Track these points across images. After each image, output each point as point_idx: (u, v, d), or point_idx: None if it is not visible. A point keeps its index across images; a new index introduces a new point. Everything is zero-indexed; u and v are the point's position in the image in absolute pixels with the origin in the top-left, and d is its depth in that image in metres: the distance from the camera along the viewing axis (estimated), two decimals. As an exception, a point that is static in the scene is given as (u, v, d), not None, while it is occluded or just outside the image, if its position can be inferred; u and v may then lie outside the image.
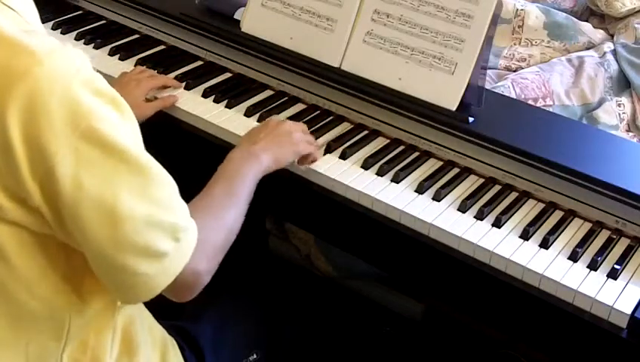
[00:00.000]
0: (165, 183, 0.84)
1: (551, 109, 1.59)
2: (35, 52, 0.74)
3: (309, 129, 1.32)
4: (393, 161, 1.27)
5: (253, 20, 1.45)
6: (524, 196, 1.22)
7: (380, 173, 1.24)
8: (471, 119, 1.25)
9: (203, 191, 1.02)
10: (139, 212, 0.79)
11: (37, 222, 0.80)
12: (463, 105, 1.26)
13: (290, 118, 1.36)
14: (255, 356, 1.25)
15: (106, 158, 0.77)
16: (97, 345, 0.97)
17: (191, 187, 1.10)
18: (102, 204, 0.77)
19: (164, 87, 1.43)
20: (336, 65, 1.36)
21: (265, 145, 1.14)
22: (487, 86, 1.41)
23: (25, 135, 0.73)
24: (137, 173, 0.80)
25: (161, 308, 1.17)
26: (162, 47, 1.60)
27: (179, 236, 0.84)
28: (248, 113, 1.37)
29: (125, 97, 0.82)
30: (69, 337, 0.92)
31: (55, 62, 0.74)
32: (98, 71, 0.81)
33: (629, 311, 1.01)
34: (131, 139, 0.80)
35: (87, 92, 0.76)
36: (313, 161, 1.24)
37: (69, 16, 1.70)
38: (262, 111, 1.37)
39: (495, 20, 1.24)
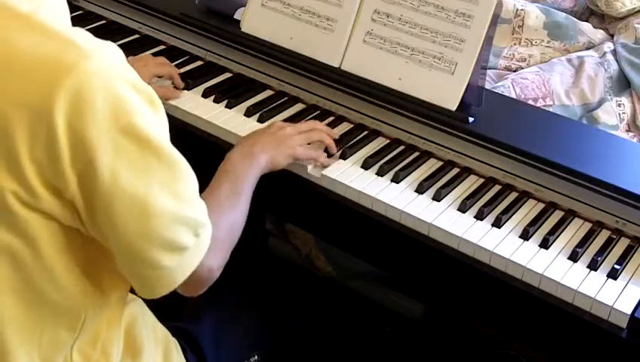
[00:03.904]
0: (190, 179, 0.86)
1: (551, 109, 1.58)
2: (83, 47, 0.77)
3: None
4: (393, 161, 1.27)
5: (253, 20, 1.45)
6: (524, 196, 1.22)
7: (380, 173, 1.24)
8: (471, 119, 1.25)
9: (208, 190, 1.04)
10: (168, 207, 0.82)
11: (68, 215, 0.82)
12: (463, 105, 1.26)
13: (290, 118, 1.36)
14: (256, 357, 1.25)
15: (143, 153, 0.80)
16: (107, 339, 0.99)
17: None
18: (135, 197, 0.80)
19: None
20: (336, 65, 1.36)
21: (262, 146, 1.16)
22: (487, 86, 1.41)
23: (69, 126, 0.76)
24: (168, 169, 0.82)
25: (161, 309, 1.17)
26: (162, 47, 1.60)
27: (199, 231, 0.87)
28: (248, 113, 1.37)
29: None
30: (83, 329, 0.94)
31: (102, 58, 0.77)
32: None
33: (629, 311, 1.01)
34: (163, 134, 0.83)
35: (128, 88, 0.78)
36: (324, 166, 1.24)
37: (69, 16, 1.70)
38: (262, 111, 1.37)
39: (495, 20, 1.24)
